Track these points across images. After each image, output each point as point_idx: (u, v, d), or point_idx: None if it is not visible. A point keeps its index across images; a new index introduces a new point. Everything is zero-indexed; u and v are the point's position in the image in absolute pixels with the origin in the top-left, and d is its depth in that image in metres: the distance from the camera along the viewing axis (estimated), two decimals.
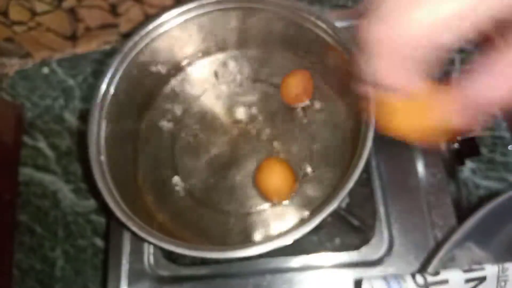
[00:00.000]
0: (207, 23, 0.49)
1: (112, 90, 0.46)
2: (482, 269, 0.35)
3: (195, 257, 0.43)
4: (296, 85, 0.47)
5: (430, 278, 0.34)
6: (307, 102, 0.48)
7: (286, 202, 0.45)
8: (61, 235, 0.58)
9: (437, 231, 0.42)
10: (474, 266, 0.35)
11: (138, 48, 0.47)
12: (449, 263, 0.37)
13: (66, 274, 0.57)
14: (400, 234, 0.42)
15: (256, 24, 0.49)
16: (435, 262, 0.37)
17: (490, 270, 0.35)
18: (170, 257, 0.46)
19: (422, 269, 0.39)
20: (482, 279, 0.35)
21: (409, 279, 0.35)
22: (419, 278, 0.35)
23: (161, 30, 0.47)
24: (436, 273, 0.35)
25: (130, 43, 0.46)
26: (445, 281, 0.34)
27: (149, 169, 0.48)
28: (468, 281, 0.35)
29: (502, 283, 0.35)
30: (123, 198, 0.41)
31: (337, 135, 0.46)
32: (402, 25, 0.19)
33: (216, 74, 0.52)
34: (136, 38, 0.46)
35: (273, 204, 0.45)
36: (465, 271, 0.35)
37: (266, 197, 0.45)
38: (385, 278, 0.35)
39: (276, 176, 0.43)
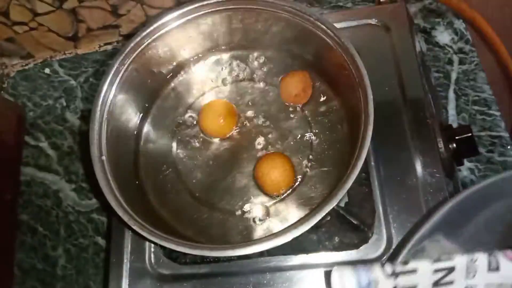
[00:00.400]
0: (207, 24, 0.49)
1: (113, 91, 0.46)
2: (451, 259, 0.35)
3: (195, 256, 0.44)
4: (296, 85, 0.48)
5: (399, 268, 0.35)
6: (306, 102, 0.49)
7: (284, 195, 0.45)
8: (62, 234, 0.59)
9: None
10: (443, 256, 0.35)
11: (139, 48, 0.47)
12: (419, 253, 0.37)
13: (68, 273, 0.57)
14: (399, 233, 0.43)
15: (256, 25, 0.49)
16: (404, 252, 0.37)
17: (459, 260, 0.35)
18: (171, 255, 0.46)
19: (392, 259, 0.39)
20: (451, 269, 0.35)
21: (377, 268, 0.35)
22: (388, 267, 0.35)
23: (162, 31, 0.48)
24: (405, 262, 0.35)
25: (131, 44, 0.47)
26: (413, 271, 0.34)
27: (150, 169, 0.49)
28: (436, 271, 0.35)
29: (471, 274, 0.35)
30: (124, 198, 0.42)
31: (336, 135, 0.46)
32: None
33: (216, 75, 0.52)
34: (137, 38, 0.47)
35: (273, 202, 0.45)
36: (434, 261, 0.35)
37: (264, 190, 0.45)
38: (354, 267, 0.35)
39: (274, 169, 0.44)
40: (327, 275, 0.37)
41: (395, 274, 0.34)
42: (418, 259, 0.36)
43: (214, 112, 0.49)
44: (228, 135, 0.49)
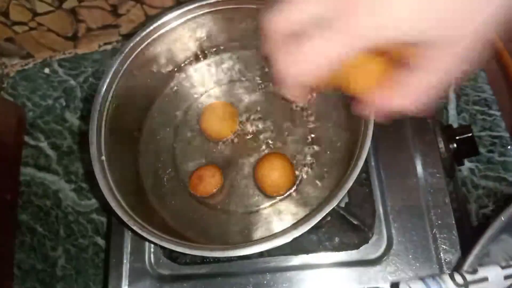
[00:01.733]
0: (207, 24, 0.49)
1: (113, 91, 0.46)
2: None
3: (195, 256, 0.44)
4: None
5: (469, 277, 0.34)
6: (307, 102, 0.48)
7: (284, 196, 0.45)
8: (62, 234, 0.59)
9: (436, 230, 0.42)
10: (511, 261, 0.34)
11: (139, 48, 0.47)
12: (484, 258, 0.36)
13: (67, 274, 0.57)
14: (399, 234, 0.43)
15: (256, 25, 0.49)
16: (470, 259, 0.36)
17: None
18: (171, 256, 0.46)
19: (458, 267, 0.38)
20: None
21: (447, 279, 0.34)
22: (458, 277, 0.34)
23: (161, 30, 0.48)
24: (474, 271, 0.34)
25: (131, 44, 0.46)
26: (484, 279, 0.34)
27: (149, 169, 0.49)
28: (507, 277, 0.34)
29: None
30: (124, 198, 0.42)
31: (337, 135, 0.46)
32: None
33: (216, 75, 0.52)
34: (136, 38, 0.47)
35: (273, 203, 0.45)
36: (503, 267, 0.34)
37: (264, 191, 0.45)
38: (422, 279, 0.34)
39: (274, 170, 0.44)
40: (395, 287, 0.36)
41: (466, 284, 0.34)
42: (483, 264, 0.35)
43: (215, 115, 0.48)
44: (228, 137, 0.49)
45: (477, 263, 0.36)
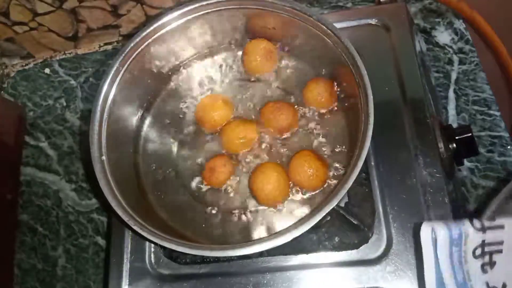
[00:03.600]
0: (207, 24, 0.49)
1: (113, 91, 0.46)
2: None
3: (195, 256, 0.44)
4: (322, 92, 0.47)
5: (487, 223, 0.37)
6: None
7: (280, 206, 0.45)
8: (62, 234, 0.59)
9: None
10: None
11: (139, 48, 0.47)
12: (501, 214, 0.39)
13: (68, 273, 0.57)
14: (399, 233, 0.43)
15: (256, 25, 0.49)
16: (491, 208, 0.39)
17: None
18: (171, 255, 0.46)
19: (478, 215, 0.41)
20: None
21: (467, 222, 0.37)
22: (477, 223, 0.37)
23: (162, 31, 0.48)
24: (492, 218, 0.37)
25: (131, 44, 0.47)
26: (501, 226, 0.36)
27: (149, 169, 0.49)
28: None
29: None
30: (124, 197, 0.42)
31: (336, 134, 0.46)
32: None
33: (215, 74, 0.52)
34: (137, 39, 0.47)
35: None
36: None
37: (259, 202, 0.45)
38: (444, 222, 0.37)
39: (268, 182, 0.44)
40: (417, 228, 0.38)
41: (483, 229, 0.36)
42: (501, 216, 0.38)
43: (209, 105, 0.49)
44: (221, 125, 0.49)
45: (496, 214, 0.38)
